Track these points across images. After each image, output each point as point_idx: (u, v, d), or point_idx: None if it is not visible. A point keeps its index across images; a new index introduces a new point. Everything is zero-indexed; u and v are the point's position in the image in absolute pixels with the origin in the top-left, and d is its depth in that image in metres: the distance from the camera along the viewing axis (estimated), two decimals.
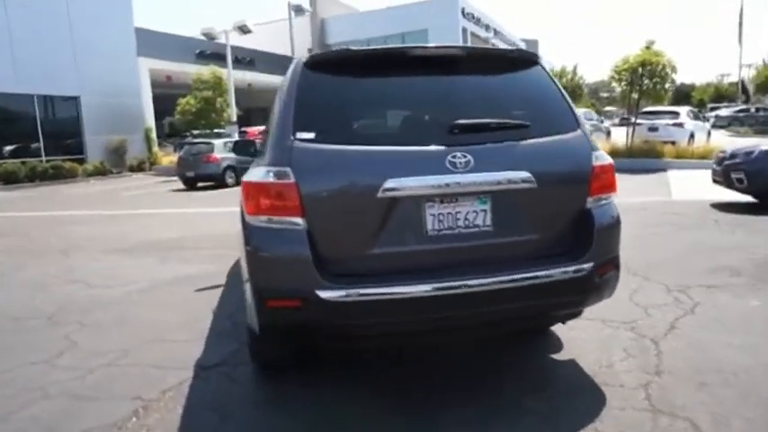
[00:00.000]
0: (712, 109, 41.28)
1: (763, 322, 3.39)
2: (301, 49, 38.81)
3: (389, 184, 2.16)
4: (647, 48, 16.98)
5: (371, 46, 2.44)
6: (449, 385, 2.74)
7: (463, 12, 37.70)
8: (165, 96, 25.84)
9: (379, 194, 2.17)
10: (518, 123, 2.38)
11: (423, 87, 2.47)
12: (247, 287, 2.54)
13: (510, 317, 2.38)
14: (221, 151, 15.54)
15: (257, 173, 2.28)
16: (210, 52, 28.50)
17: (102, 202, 13.17)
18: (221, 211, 10.55)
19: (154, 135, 23.87)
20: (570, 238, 2.41)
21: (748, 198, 7.90)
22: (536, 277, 2.26)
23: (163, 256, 6.22)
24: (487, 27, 43.48)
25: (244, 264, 2.53)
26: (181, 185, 16.13)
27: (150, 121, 24.16)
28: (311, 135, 2.22)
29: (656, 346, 3.05)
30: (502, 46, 47.22)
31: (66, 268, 5.85)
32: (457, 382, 2.78)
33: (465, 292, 2.18)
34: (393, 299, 2.14)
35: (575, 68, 35.84)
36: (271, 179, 2.19)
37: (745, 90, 46.81)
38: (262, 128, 28.00)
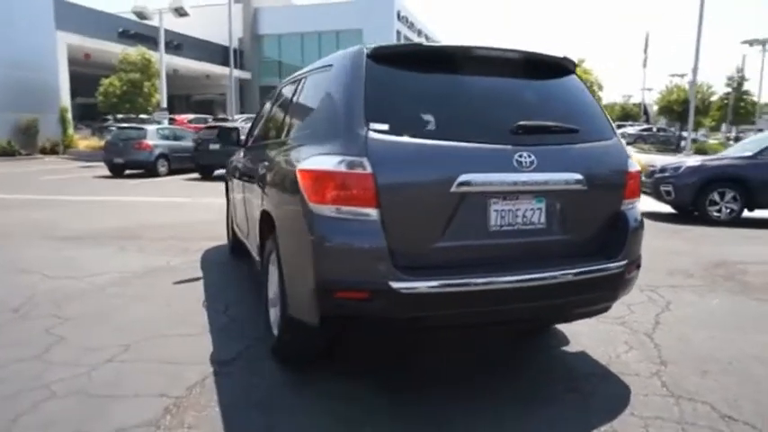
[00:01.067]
0: (618, 126, 45.02)
1: (730, 318, 3.81)
2: (234, 38, 37.38)
3: (463, 178, 2.22)
4: (577, 66, 18.29)
5: (403, 42, 2.45)
6: (487, 375, 2.84)
7: (398, 15, 38.20)
8: (81, 76, 23.90)
9: (453, 189, 2.22)
10: (571, 128, 2.52)
11: (485, 86, 2.54)
12: (291, 277, 2.48)
13: (558, 309, 2.51)
14: (154, 138, 14.68)
15: (325, 161, 2.23)
16: (135, 32, 26.80)
17: (18, 186, 11.98)
18: (163, 201, 10.00)
19: (69, 116, 21.99)
20: (607, 238, 2.59)
21: (669, 209, 8.79)
22: (582, 273, 2.41)
23: (119, 246, 5.81)
24: (420, 32, 44.38)
25: (290, 252, 2.47)
26: (106, 172, 15.05)
27: (66, 101, 22.23)
28: (385, 126, 2.22)
29: (651, 340, 3.33)
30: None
31: (7, 257, 5.29)
32: (487, 374, 2.89)
33: (525, 286, 2.29)
34: (461, 291, 2.20)
35: None
36: (347, 169, 2.16)
37: (646, 111, 51.52)
38: (190, 116, 26.79)
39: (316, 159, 2.29)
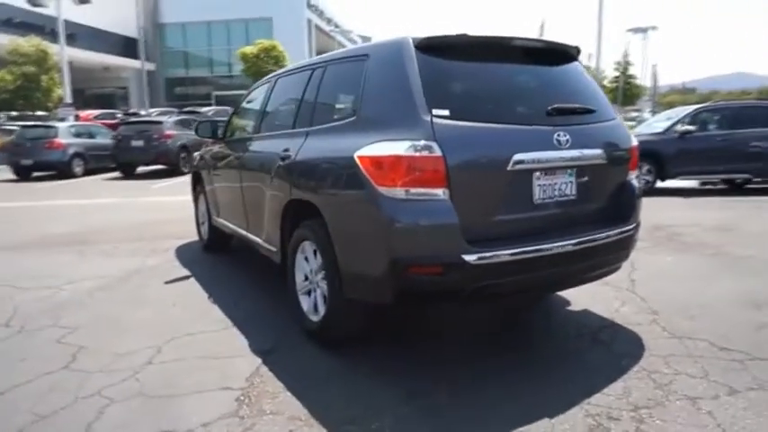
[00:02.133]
0: None
1: (687, 271, 4.41)
2: (130, 26, 34.95)
3: (518, 157, 2.45)
4: None
5: (441, 33, 2.61)
6: (520, 338, 3.13)
7: (308, 3, 37.66)
8: None
9: (509, 167, 2.44)
10: (590, 108, 2.84)
11: (519, 72, 2.78)
12: (351, 260, 2.59)
13: (591, 269, 2.83)
14: (67, 136, 13.55)
15: (394, 147, 2.35)
16: (20, 21, 24.25)
17: None
18: (93, 204, 9.33)
19: None
20: (620, 204, 2.95)
21: None
22: (609, 236, 2.76)
23: (77, 252, 5.45)
24: (329, 20, 44.09)
25: (350, 236, 2.57)
26: (9, 175, 13.67)
27: None
28: (446, 112, 2.38)
29: (636, 294, 3.80)
30: (343, 40, 48.41)
31: None
32: (519, 338, 3.18)
33: (569, 250, 2.58)
34: (521, 259, 2.44)
35: None
36: (417, 153, 2.30)
37: None
38: (95, 111, 24.78)
39: (381, 145, 2.40)
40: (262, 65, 17.10)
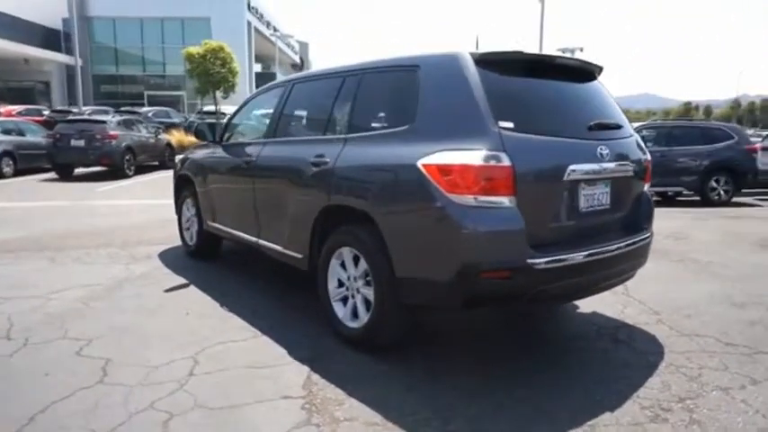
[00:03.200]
0: None
1: (667, 276, 4.80)
2: (54, 17, 32.60)
3: (572, 168, 2.61)
4: None
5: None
6: (545, 344, 3.29)
7: (249, 5, 36.86)
8: None
9: (565, 177, 2.60)
10: (619, 124, 3.07)
11: (563, 88, 2.95)
12: (412, 266, 2.64)
13: (621, 273, 3.04)
14: None
15: (465, 156, 2.43)
16: None
17: None
18: (40, 207, 8.62)
19: None
20: (639, 213, 3.20)
21: None
22: (635, 242, 2.99)
23: (48, 258, 5.06)
24: (269, 24, 43.40)
25: (412, 243, 2.62)
26: None
27: None
28: (511, 124, 2.50)
29: (632, 298, 4.09)
30: (283, 45, 47.82)
31: None
32: (544, 344, 3.35)
33: (609, 255, 2.77)
34: (575, 263, 2.60)
35: None
36: (489, 162, 2.40)
37: None
38: (18, 107, 22.89)
39: (450, 154, 2.47)
40: (209, 66, 16.54)
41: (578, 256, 2.62)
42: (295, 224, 3.49)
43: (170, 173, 6.30)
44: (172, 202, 5.65)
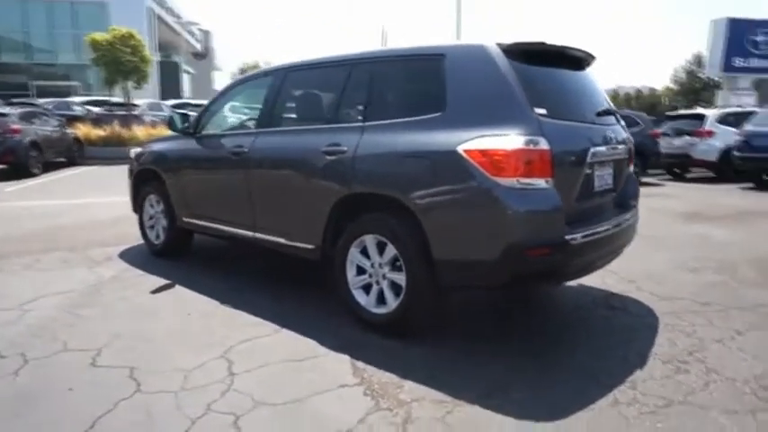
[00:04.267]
0: None
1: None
2: None
3: (593, 150, 2.84)
4: None
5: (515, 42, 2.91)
6: (545, 319, 3.53)
7: None
8: None
9: (588, 159, 2.81)
10: (616, 110, 3.35)
11: (575, 77, 3.15)
12: (454, 248, 2.73)
13: (621, 248, 3.32)
14: None
15: (508, 141, 2.55)
16: None
17: None
18: None
19: None
20: (630, 192, 3.53)
21: None
22: (631, 219, 3.31)
23: None
24: (169, 10, 40.88)
25: (455, 226, 2.71)
26: None
27: None
28: (544, 111, 2.66)
29: (605, 269, 4.47)
30: (186, 34, 45.27)
31: None
32: (545, 319, 3.59)
33: (618, 230, 3.05)
34: (598, 238, 2.84)
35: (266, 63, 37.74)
36: (531, 146, 2.54)
37: None
38: None
39: (492, 140, 2.58)
40: (118, 54, 15.25)
41: (600, 232, 2.86)
42: (304, 215, 3.43)
43: (83, 170, 5.85)
44: (99, 200, 5.26)
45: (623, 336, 3.12)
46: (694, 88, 38.43)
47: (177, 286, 4.03)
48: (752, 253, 5.04)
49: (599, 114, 3.10)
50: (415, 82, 3.12)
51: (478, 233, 2.67)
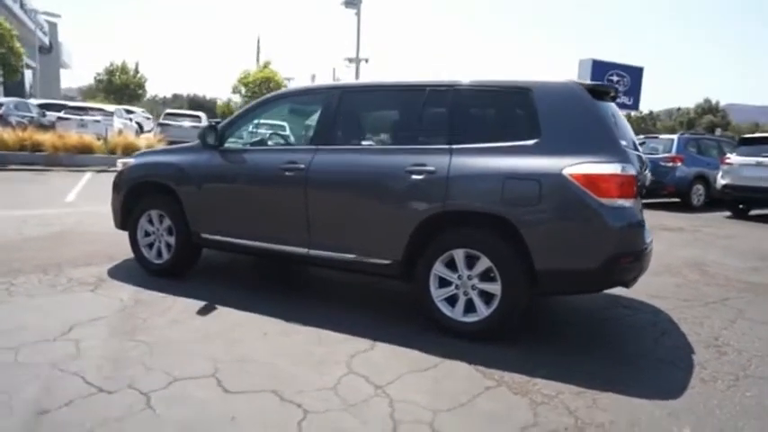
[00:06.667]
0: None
1: None
2: None
3: (644, 174, 3.43)
4: (266, 67, 19.43)
5: (583, 81, 3.42)
6: (564, 320, 4.07)
7: None
8: None
9: (640, 183, 3.37)
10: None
11: (616, 109, 3.66)
12: (554, 258, 3.11)
13: None
14: None
15: (610, 167, 3.01)
16: None
17: None
18: None
19: None
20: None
21: None
22: None
23: None
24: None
25: (560, 239, 3.09)
26: None
27: None
28: (624, 141, 3.19)
29: None
30: (29, 23, 39.84)
31: None
32: (568, 318, 4.14)
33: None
34: (651, 248, 3.44)
35: (137, 66, 34.90)
36: (625, 172, 3.05)
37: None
38: None
39: (596, 166, 3.02)
40: None
41: (650, 243, 3.47)
42: (382, 231, 3.55)
43: None
44: (23, 212, 4.74)
45: (656, 329, 3.76)
46: None
47: (218, 306, 3.82)
48: (687, 258, 6.19)
49: (635, 143, 3.74)
50: (503, 111, 3.47)
51: (582, 245, 3.09)
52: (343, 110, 3.89)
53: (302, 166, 3.83)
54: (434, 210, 3.37)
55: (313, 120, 4.13)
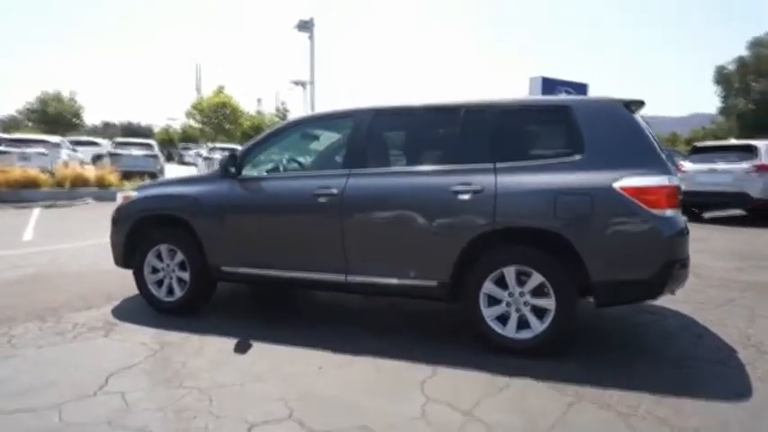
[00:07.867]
0: (184, 148, 47.31)
1: None
2: None
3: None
4: (220, 92, 18.89)
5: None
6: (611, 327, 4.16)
7: None
8: None
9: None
10: None
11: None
12: (614, 268, 3.18)
13: None
14: None
15: (659, 179, 3.11)
16: None
17: None
18: None
19: None
20: None
21: None
22: None
23: None
24: None
25: (615, 249, 3.15)
26: None
27: None
28: (665, 154, 3.31)
29: None
30: None
31: None
32: (609, 327, 4.22)
33: None
34: None
35: (71, 94, 33.39)
36: (673, 183, 3.16)
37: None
38: None
39: (645, 179, 3.11)
40: None
41: None
42: (428, 253, 3.48)
43: None
44: None
45: (691, 332, 3.89)
46: None
47: (253, 342, 3.61)
48: None
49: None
50: (544, 129, 3.53)
51: (637, 255, 3.16)
52: (375, 133, 3.83)
53: (335, 191, 3.72)
54: (484, 228, 3.35)
55: (339, 144, 4.04)
